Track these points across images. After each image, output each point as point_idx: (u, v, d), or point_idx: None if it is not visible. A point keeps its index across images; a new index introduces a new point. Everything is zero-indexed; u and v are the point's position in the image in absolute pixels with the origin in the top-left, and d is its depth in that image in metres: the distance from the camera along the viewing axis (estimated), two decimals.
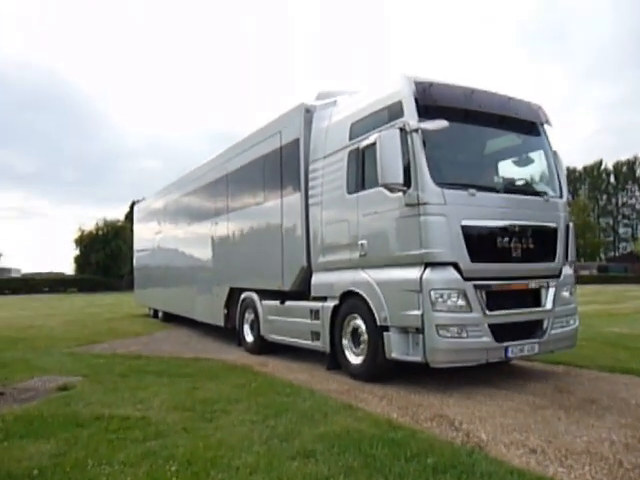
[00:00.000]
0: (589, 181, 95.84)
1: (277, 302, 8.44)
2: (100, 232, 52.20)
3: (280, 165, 8.45)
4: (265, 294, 8.88)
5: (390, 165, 5.62)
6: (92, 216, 64.87)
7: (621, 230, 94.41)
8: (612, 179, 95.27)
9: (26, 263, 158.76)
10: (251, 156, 9.54)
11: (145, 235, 17.50)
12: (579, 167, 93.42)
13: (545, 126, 7.01)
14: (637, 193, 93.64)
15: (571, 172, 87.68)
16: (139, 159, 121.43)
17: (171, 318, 15.27)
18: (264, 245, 8.99)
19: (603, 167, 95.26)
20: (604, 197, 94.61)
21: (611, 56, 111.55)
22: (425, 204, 5.61)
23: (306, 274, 7.71)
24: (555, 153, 7.00)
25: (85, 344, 10.69)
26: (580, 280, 43.58)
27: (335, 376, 6.83)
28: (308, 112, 7.87)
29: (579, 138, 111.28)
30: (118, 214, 52.65)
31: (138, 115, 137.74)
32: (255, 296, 9.18)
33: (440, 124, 5.65)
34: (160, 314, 16.35)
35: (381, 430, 4.28)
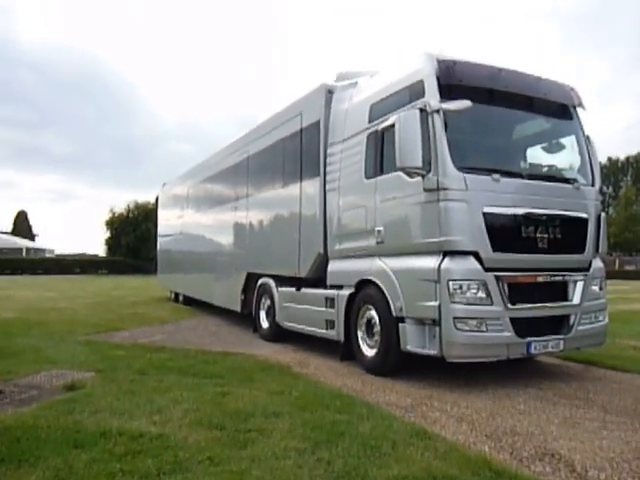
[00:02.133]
0: (632, 172, 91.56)
1: (293, 289, 8.27)
2: (130, 214, 52.00)
3: (300, 148, 8.18)
4: (282, 280, 8.71)
5: (409, 148, 5.36)
6: (127, 199, 65.00)
7: None
8: None
9: (61, 244, 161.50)
10: (272, 139, 9.27)
11: (168, 219, 17.59)
12: (622, 157, 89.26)
13: (578, 109, 6.57)
14: None
15: (613, 163, 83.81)
16: (172, 143, 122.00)
17: (192, 302, 15.05)
18: (281, 231, 8.87)
19: None
20: None
21: None
22: (445, 189, 5.32)
23: (322, 261, 7.52)
24: (588, 138, 6.55)
25: (105, 331, 9.80)
26: (625, 275, 41.55)
27: (390, 383, 5.70)
28: (330, 93, 7.60)
29: (618, 129, 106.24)
30: (151, 197, 52.51)
31: (173, 101, 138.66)
32: (272, 282, 9.00)
33: (463, 104, 5.33)
34: (181, 297, 16.25)
35: (481, 478, 3.12)
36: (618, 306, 14.35)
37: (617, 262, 43.52)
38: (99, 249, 56.33)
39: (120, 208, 52.70)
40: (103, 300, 17.39)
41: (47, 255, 64.03)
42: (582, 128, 6.56)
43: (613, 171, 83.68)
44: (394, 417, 4.38)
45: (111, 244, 52.49)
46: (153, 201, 55.49)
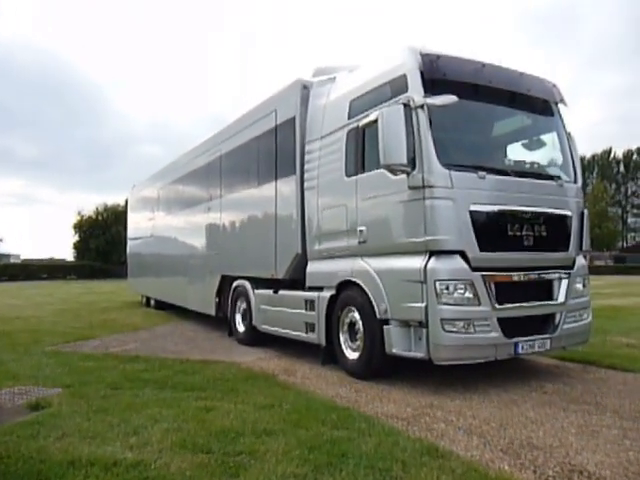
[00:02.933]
0: (597, 170, 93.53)
1: (270, 291, 8.01)
2: (100, 217, 50.68)
3: (275, 146, 7.94)
4: (258, 283, 8.46)
5: (393, 144, 5.17)
6: (96, 203, 63.26)
7: (630, 220, 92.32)
8: (622, 168, 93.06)
9: (28, 250, 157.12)
10: (245, 137, 9.00)
11: (138, 222, 17.05)
12: (587, 155, 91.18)
13: (559, 106, 6.48)
14: None
15: (579, 160, 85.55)
16: (143, 145, 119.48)
17: (164, 306, 14.51)
18: (257, 231, 8.61)
19: (612, 155, 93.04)
20: (613, 186, 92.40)
21: (616, 44, 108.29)
22: (431, 187, 5.15)
23: (300, 262, 7.26)
24: (569, 135, 6.49)
25: (74, 340, 9.18)
26: (596, 271, 42.18)
27: (386, 392, 5.33)
28: (305, 89, 7.35)
29: (583, 127, 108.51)
30: (121, 200, 51.06)
31: (143, 102, 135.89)
32: (248, 284, 8.74)
33: (449, 99, 5.17)
34: (152, 302, 15.78)
35: None
36: (597, 301, 14.28)
37: (587, 258, 44.23)
38: (67, 254, 54.88)
39: (89, 211, 51.38)
40: (72, 307, 16.59)
41: (12, 261, 61.94)
42: (564, 125, 6.48)
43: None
44: (398, 432, 3.99)
45: (79, 248, 51.06)
46: (123, 204, 54.33)
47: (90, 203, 58.43)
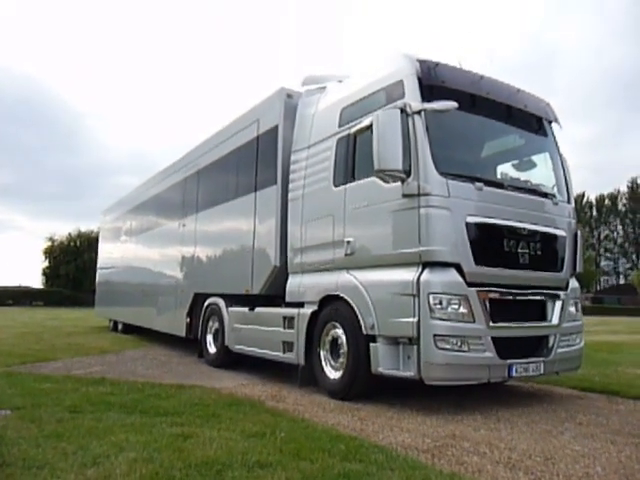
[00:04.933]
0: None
1: (246, 309, 7.60)
2: (72, 243, 49.10)
3: (256, 156, 7.67)
4: (233, 300, 8.04)
5: (388, 149, 4.93)
6: (69, 230, 61.25)
7: (603, 263, 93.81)
8: (594, 212, 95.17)
9: None
10: (226, 149, 8.70)
11: (108, 251, 17.03)
12: None
13: (554, 125, 6.42)
14: (619, 227, 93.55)
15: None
16: (121, 175, 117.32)
17: (133, 331, 13.95)
18: (233, 245, 8.29)
19: (586, 199, 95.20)
20: (586, 230, 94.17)
21: (581, 97, 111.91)
22: (427, 195, 4.92)
23: (279, 276, 6.89)
24: (562, 156, 6.39)
25: (33, 362, 8.19)
26: None
27: (395, 420, 4.58)
28: (290, 97, 7.16)
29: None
30: (95, 227, 49.60)
31: (122, 132, 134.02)
32: (221, 302, 8.30)
33: (448, 105, 5.04)
34: (120, 326, 15.12)
35: None
36: (590, 337, 13.90)
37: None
38: (36, 281, 52.79)
39: (61, 236, 49.76)
40: (35, 330, 15.37)
41: None
42: (557, 144, 6.40)
43: None
44: (424, 465, 3.23)
45: (49, 274, 49.17)
46: (97, 230, 52.90)
47: (63, 231, 56.44)
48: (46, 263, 49.58)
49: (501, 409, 5.07)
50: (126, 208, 15.04)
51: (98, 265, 18.45)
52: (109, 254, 16.69)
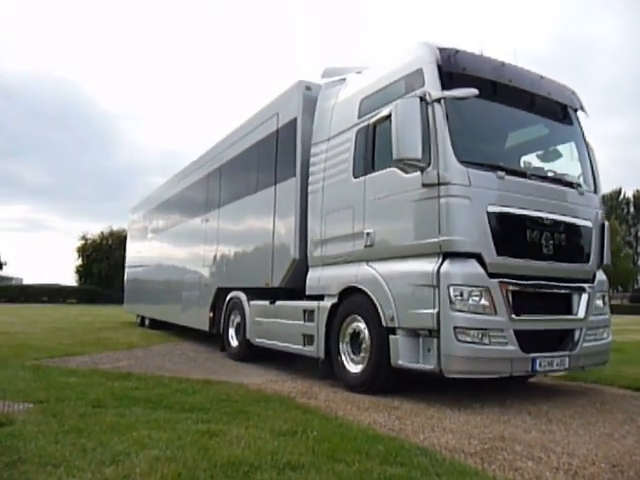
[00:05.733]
0: (607, 210, 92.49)
1: (266, 302, 7.57)
2: (104, 242, 49.80)
3: (276, 149, 7.65)
4: (254, 294, 8.02)
5: (407, 138, 4.85)
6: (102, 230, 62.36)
7: None
8: (632, 209, 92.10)
9: (32, 275, 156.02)
10: (247, 143, 8.71)
11: (134, 249, 17.45)
12: None
13: (579, 113, 6.23)
14: None
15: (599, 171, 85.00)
16: (153, 175, 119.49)
17: (160, 326, 14.00)
18: (254, 238, 8.27)
19: (623, 196, 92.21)
20: (623, 227, 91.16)
21: (620, 91, 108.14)
22: (447, 184, 4.81)
23: (298, 269, 6.85)
24: (588, 145, 6.21)
25: (61, 356, 8.10)
26: (614, 310, 40.65)
27: (436, 420, 4.24)
28: (308, 89, 7.13)
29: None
30: (126, 227, 50.14)
31: (153, 132, 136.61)
32: (243, 296, 8.32)
33: (469, 92, 4.89)
34: (147, 322, 15.33)
35: None
36: (634, 336, 13.34)
37: None
38: (70, 279, 53.70)
39: (93, 234, 50.56)
40: (66, 326, 15.46)
41: (14, 284, 61.01)
42: (583, 133, 6.22)
43: None
44: (475, 471, 2.90)
45: (82, 272, 50.00)
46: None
47: (96, 230, 57.49)
48: (79, 261, 50.42)
49: (551, 409, 4.70)
50: (152, 206, 15.33)
51: (126, 263, 18.85)
52: (136, 252, 17.01)
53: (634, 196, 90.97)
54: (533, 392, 5.61)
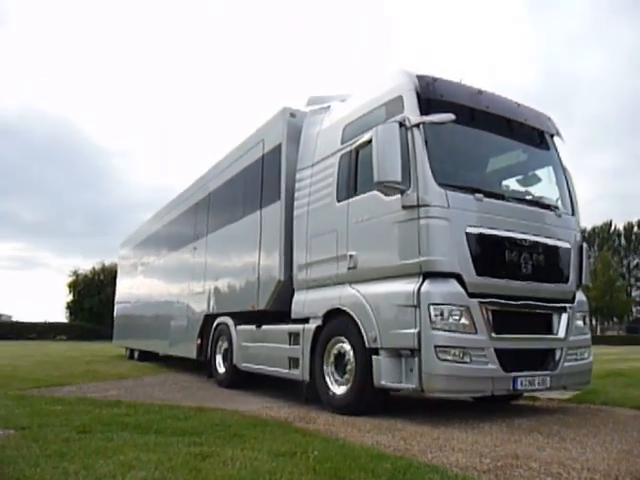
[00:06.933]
0: (598, 242, 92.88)
1: (253, 327, 7.57)
2: (96, 277, 49.24)
3: (261, 174, 7.79)
4: (241, 318, 8.01)
5: (387, 161, 4.94)
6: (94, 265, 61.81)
7: (634, 293, 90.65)
8: (623, 240, 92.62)
9: (22, 312, 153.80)
10: (233, 171, 8.87)
11: (124, 285, 17.55)
12: (588, 227, 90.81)
13: (555, 139, 6.36)
14: None
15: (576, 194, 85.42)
16: (145, 211, 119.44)
17: (149, 358, 13.92)
18: (240, 262, 8.32)
19: (613, 228, 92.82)
20: (615, 259, 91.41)
21: (605, 125, 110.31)
22: (426, 206, 4.91)
23: (283, 291, 6.87)
24: (565, 168, 6.33)
25: (47, 386, 7.80)
26: (608, 341, 40.39)
27: (442, 440, 4.00)
28: (293, 116, 7.30)
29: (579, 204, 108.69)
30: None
31: (145, 168, 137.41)
32: (230, 321, 8.32)
33: (446, 117, 5.06)
34: (136, 354, 15.17)
35: None
36: (632, 363, 13.14)
37: (598, 328, 42.76)
38: (61, 316, 52.85)
39: (85, 270, 50.04)
40: (54, 360, 15.01)
41: (3, 320, 59.89)
42: (559, 157, 6.33)
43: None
44: None
45: (73, 308, 49.24)
46: None
47: (87, 266, 56.60)
48: (70, 297, 49.75)
49: (562, 428, 4.48)
50: (140, 239, 15.50)
51: (116, 300, 19.00)
52: (125, 287, 17.17)
53: (625, 228, 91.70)
54: (542, 413, 5.41)
